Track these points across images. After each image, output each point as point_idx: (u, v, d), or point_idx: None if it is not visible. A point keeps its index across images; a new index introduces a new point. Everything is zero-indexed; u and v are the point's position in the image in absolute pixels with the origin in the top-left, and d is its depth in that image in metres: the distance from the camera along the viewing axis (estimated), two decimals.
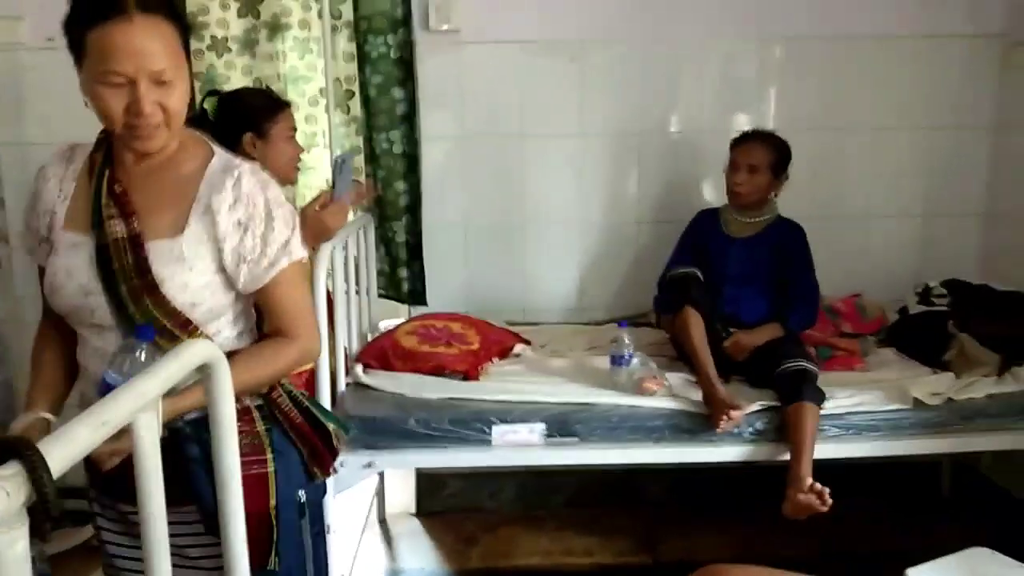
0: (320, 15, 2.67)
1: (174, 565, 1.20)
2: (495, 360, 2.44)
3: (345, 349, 2.37)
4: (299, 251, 1.33)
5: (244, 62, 2.71)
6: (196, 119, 1.84)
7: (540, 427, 2.06)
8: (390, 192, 2.80)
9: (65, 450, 0.67)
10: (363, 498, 2.89)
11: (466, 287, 2.92)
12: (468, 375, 2.28)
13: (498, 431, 2.06)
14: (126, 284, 1.22)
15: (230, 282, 1.29)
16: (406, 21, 2.67)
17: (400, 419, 2.06)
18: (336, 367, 2.18)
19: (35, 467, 0.62)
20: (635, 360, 2.23)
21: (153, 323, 1.21)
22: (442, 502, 2.96)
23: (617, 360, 2.24)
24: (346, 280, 2.37)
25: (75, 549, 2.69)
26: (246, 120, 1.89)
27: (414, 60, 2.69)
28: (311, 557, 1.42)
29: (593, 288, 2.97)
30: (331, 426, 1.43)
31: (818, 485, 1.99)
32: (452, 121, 2.81)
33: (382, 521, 2.91)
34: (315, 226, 1.85)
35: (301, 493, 1.38)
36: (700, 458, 2.16)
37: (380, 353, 2.36)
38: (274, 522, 1.32)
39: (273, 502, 1.32)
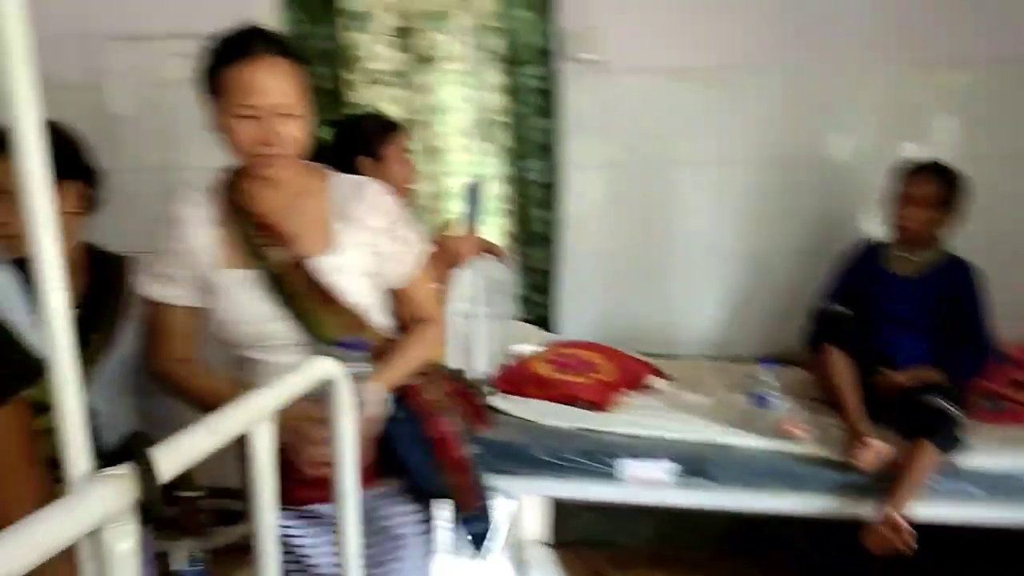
0: (470, 48, 2.77)
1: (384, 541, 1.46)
2: (628, 391, 2.38)
3: (480, 372, 2.40)
4: (423, 244, 1.53)
5: (397, 94, 2.85)
6: (318, 147, 1.93)
7: (670, 466, 1.99)
8: (530, 219, 2.83)
9: (176, 456, 0.71)
10: (499, 520, 2.90)
11: (604, 316, 2.88)
12: (598, 405, 2.24)
13: (626, 466, 2.01)
14: (303, 303, 1.37)
15: (374, 280, 1.46)
16: (551, 52, 2.71)
17: (528, 446, 2.06)
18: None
19: (145, 470, 0.66)
20: (777, 401, 2.11)
21: (331, 331, 1.37)
22: (575, 532, 2.91)
23: (758, 400, 2.12)
24: (484, 303, 2.41)
25: (228, 547, 2.88)
26: (361, 144, 1.96)
27: (558, 90, 2.72)
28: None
29: (736, 323, 2.85)
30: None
31: (900, 520, 1.88)
32: (595, 150, 2.79)
33: (515, 546, 2.90)
34: (447, 253, 1.89)
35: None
36: (844, 510, 2.00)
37: (514, 378, 2.37)
38: (473, 469, 1.54)
39: (468, 452, 1.54)
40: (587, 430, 2.11)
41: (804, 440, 2.03)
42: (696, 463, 2.00)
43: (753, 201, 2.77)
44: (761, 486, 1.99)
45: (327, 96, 2.89)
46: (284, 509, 1.43)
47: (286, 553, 1.47)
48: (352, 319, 1.40)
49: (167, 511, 1.47)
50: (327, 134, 1.98)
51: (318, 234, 1.39)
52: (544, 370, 2.37)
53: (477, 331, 2.41)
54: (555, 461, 2.03)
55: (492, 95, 2.80)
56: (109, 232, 1.64)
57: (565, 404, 2.25)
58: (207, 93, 1.32)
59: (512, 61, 2.75)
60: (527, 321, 2.89)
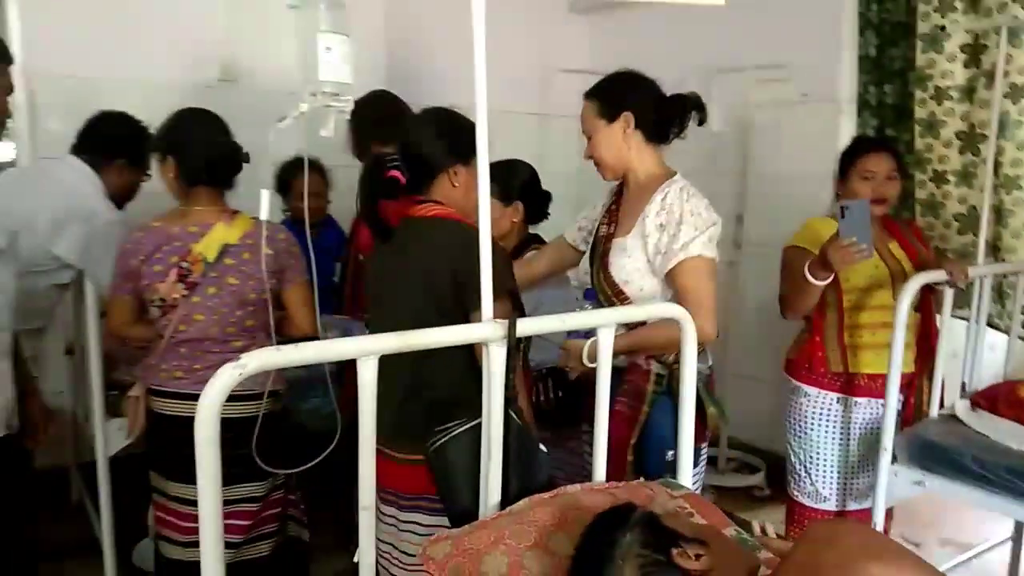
0: None
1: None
2: None
3: (964, 383, 2.49)
4: (697, 249, 1.75)
5: (962, 109, 2.94)
6: None
7: None
8: None
9: (529, 326, 1.44)
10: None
11: None
12: None
13: None
14: (597, 266, 1.91)
15: (652, 266, 1.82)
16: None
17: (957, 452, 2.13)
18: (926, 394, 2.37)
19: (511, 324, 1.41)
20: None
21: (599, 292, 1.88)
22: None
23: None
24: (977, 319, 2.47)
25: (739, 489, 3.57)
26: None
27: None
28: None
29: None
30: (711, 409, 1.80)
31: None
32: None
33: None
34: (824, 257, 2.04)
35: (670, 453, 1.72)
36: None
37: (992, 396, 2.38)
38: (630, 454, 1.79)
39: (634, 440, 1.79)
40: None
41: None
42: None
43: None
44: None
45: (895, 111, 3.16)
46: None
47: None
48: (614, 287, 1.84)
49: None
50: None
51: (629, 222, 1.87)
52: None
53: (969, 341, 2.50)
54: (981, 472, 2.06)
55: None
56: None
57: None
58: None
59: None
60: None
